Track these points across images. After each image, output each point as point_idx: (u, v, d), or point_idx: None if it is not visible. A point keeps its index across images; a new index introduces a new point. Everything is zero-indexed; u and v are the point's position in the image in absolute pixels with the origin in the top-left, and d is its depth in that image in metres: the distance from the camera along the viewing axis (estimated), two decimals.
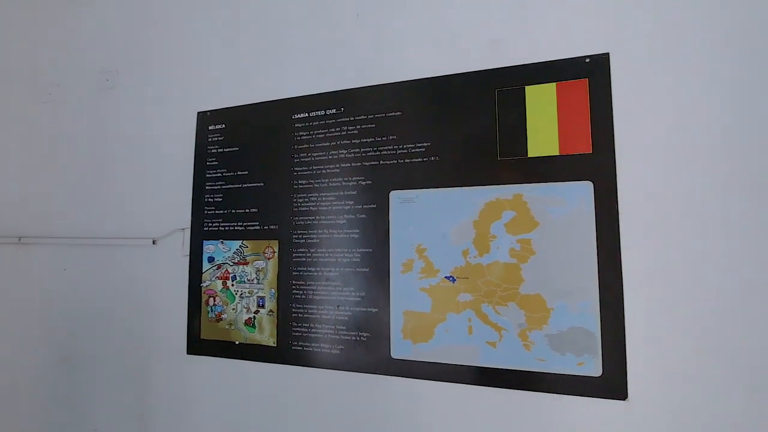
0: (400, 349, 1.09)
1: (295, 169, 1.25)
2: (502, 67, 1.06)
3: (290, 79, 1.29)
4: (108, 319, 1.46)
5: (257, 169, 1.30)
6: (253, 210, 1.29)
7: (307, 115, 1.25)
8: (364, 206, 1.16)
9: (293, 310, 1.21)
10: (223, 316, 1.29)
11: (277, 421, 1.21)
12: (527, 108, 1.03)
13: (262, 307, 1.24)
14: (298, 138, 1.25)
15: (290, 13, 1.31)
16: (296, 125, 1.26)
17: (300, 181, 1.24)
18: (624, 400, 0.90)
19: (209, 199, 1.35)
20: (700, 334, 0.87)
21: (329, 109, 1.23)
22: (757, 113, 0.87)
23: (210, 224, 1.34)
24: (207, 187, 1.35)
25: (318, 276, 1.19)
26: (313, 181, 1.22)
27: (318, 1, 1.28)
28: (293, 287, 1.21)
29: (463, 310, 1.03)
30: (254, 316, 1.25)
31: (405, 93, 1.15)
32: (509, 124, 1.04)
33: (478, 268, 1.03)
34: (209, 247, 1.33)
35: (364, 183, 1.17)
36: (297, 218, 1.23)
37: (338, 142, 1.21)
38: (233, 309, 1.28)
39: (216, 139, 1.36)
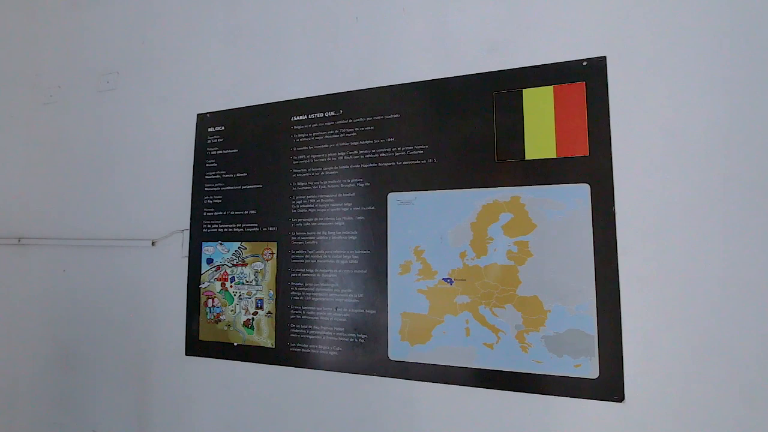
0: (397, 350, 1.09)
1: (294, 171, 1.25)
2: (499, 70, 1.07)
3: (289, 82, 1.30)
4: (107, 320, 1.47)
5: (256, 170, 1.30)
6: (252, 212, 1.29)
7: (306, 117, 1.26)
8: (363, 208, 1.16)
9: (291, 311, 1.21)
10: (221, 317, 1.29)
11: (275, 422, 1.21)
12: (525, 111, 1.03)
13: (261, 308, 1.25)
14: (297, 140, 1.26)
15: (289, 16, 1.32)
16: (295, 127, 1.26)
17: (299, 183, 1.24)
18: (621, 402, 0.90)
19: (208, 201, 1.35)
20: (696, 336, 0.88)
21: (328, 111, 1.23)
22: (754, 116, 0.88)
23: (209, 226, 1.34)
24: (206, 189, 1.36)
25: (316, 277, 1.19)
26: (311, 183, 1.23)
27: (317, 4, 1.29)
28: (292, 289, 1.22)
29: (461, 311, 1.03)
30: (253, 318, 1.25)
31: (403, 95, 1.15)
32: (507, 127, 1.04)
33: (476, 270, 1.03)
34: (208, 249, 1.34)
35: (362, 185, 1.17)
36: (295, 220, 1.23)
37: (337, 144, 1.21)
38: (232, 310, 1.28)
39: (215, 140, 1.37)
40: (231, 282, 1.29)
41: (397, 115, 1.15)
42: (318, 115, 1.24)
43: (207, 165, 1.37)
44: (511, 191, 1.02)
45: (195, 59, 1.44)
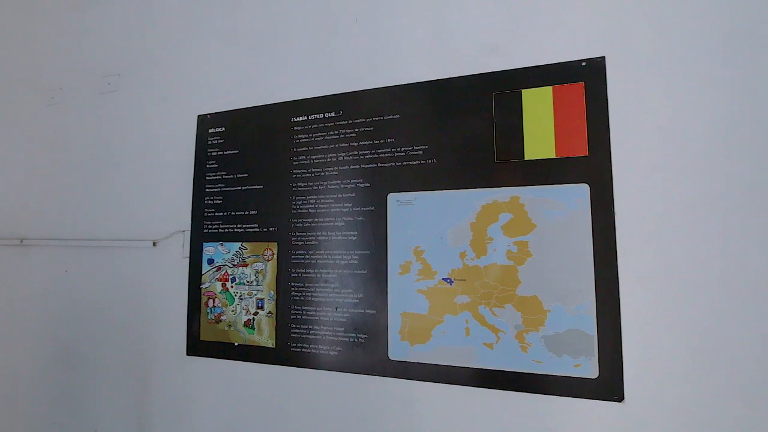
0: (397, 350, 1.09)
1: (294, 171, 1.25)
2: (499, 71, 1.07)
3: (289, 83, 1.30)
4: (108, 320, 1.47)
5: (257, 171, 1.31)
6: (253, 212, 1.30)
7: (306, 118, 1.26)
8: (363, 208, 1.17)
9: (292, 311, 1.21)
10: (222, 317, 1.30)
11: (276, 422, 1.21)
12: (524, 111, 1.03)
13: (261, 308, 1.25)
14: (297, 141, 1.26)
15: (289, 16, 1.32)
16: (295, 128, 1.27)
17: (299, 184, 1.24)
18: (620, 401, 0.90)
19: (209, 202, 1.36)
20: (696, 336, 0.88)
21: (328, 112, 1.24)
22: (753, 116, 0.88)
23: (210, 226, 1.35)
24: (207, 190, 1.36)
25: (316, 278, 1.20)
26: (311, 184, 1.23)
27: (317, 4, 1.29)
28: (292, 289, 1.22)
29: (461, 311, 1.03)
30: (253, 318, 1.26)
31: (403, 96, 1.15)
32: (506, 127, 1.04)
33: (476, 270, 1.03)
34: (209, 249, 1.34)
35: (362, 185, 1.17)
36: (296, 220, 1.24)
37: (337, 145, 1.21)
38: (232, 310, 1.29)
39: (216, 141, 1.37)
40: (232, 282, 1.30)
41: (396, 116, 1.16)
42: (318, 115, 1.25)
43: (207, 166, 1.37)
44: (511, 191, 1.02)
45: (195, 60, 1.44)
